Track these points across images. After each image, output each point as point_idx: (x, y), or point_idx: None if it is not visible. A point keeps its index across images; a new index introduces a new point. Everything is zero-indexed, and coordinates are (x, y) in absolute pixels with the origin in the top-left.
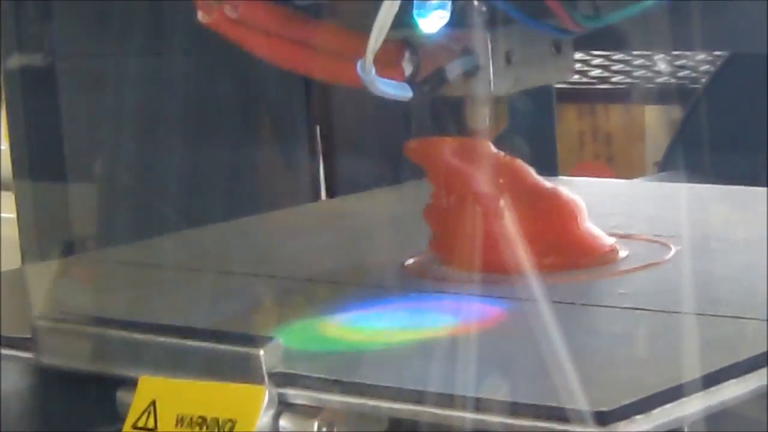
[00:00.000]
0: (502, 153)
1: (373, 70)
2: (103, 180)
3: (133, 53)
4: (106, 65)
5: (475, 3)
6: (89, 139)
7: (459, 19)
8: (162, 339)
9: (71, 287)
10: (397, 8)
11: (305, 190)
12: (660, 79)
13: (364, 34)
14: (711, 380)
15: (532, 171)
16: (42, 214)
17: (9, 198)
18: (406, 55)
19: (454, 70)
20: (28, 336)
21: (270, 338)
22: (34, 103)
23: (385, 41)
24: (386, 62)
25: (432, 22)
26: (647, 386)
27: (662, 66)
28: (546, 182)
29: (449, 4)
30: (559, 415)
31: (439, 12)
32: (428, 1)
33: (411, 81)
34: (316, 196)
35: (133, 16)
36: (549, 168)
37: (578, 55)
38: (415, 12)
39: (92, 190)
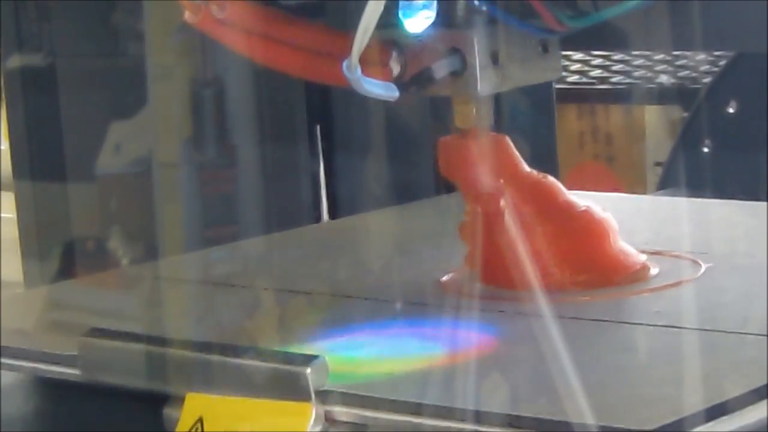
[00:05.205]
0: (534, 171)
1: (359, 70)
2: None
3: (132, 53)
4: (104, 65)
5: (461, 3)
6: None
7: (446, 19)
8: (209, 356)
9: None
10: (382, 8)
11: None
12: (660, 79)
13: (351, 34)
14: (751, 398)
15: (564, 189)
16: (42, 214)
17: (9, 198)
18: (394, 55)
19: (441, 69)
20: (74, 353)
21: (316, 356)
22: (34, 103)
23: (373, 41)
24: (374, 62)
25: (418, 22)
26: (688, 405)
27: (662, 67)
28: (578, 200)
29: (435, 4)
30: None
31: (425, 12)
32: (414, 1)
33: (398, 81)
34: (319, 216)
35: (131, 17)
36: (549, 168)
37: (578, 56)
38: (401, 12)
39: (92, 190)
